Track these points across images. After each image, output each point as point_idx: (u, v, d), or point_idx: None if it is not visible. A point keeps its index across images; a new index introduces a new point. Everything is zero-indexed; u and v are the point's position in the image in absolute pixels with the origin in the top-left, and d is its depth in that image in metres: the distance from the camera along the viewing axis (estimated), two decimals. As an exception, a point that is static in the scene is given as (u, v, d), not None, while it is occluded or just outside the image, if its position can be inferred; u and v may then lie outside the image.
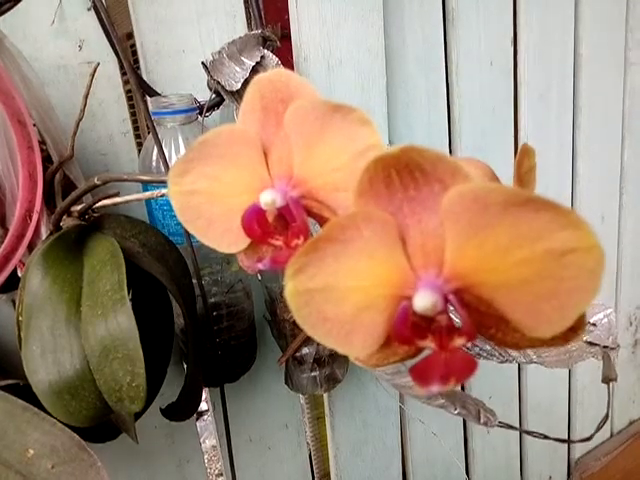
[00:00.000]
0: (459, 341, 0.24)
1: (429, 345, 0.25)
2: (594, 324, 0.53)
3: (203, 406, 1.12)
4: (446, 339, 0.25)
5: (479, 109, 0.85)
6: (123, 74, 0.60)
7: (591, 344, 0.52)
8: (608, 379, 0.49)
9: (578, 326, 0.25)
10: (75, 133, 0.50)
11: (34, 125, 0.49)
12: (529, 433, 0.52)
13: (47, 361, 0.43)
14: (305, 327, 0.26)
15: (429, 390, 0.23)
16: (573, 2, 0.92)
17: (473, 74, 0.83)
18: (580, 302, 0.22)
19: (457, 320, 0.25)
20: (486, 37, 0.83)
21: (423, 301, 0.23)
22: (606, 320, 0.51)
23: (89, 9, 0.57)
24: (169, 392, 0.57)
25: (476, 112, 0.85)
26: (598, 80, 0.98)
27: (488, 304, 0.24)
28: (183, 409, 0.60)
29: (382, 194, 0.25)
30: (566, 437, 1.14)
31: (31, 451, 0.43)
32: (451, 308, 0.24)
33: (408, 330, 0.24)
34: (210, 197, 0.30)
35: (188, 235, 0.55)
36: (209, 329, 0.62)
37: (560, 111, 0.95)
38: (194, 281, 0.58)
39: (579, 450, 1.18)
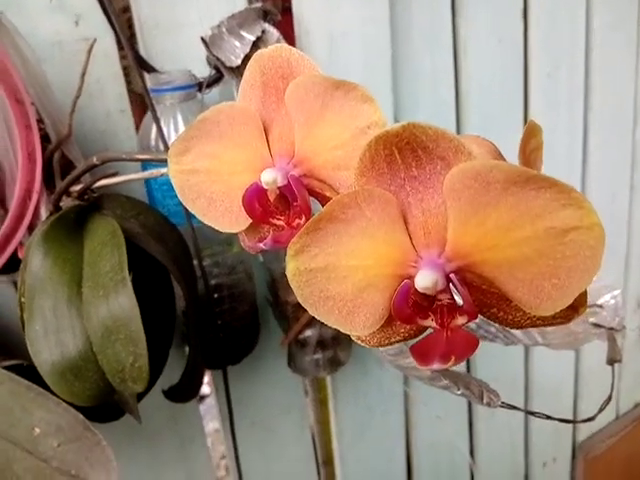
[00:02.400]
0: (460, 320, 0.24)
1: (430, 324, 0.25)
2: (600, 306, 0.53)
3: (205, 390, 1.12)
4: (447, 318, 0.25)
5: (487, 85, 0.83)
6: (120, 49, 0.60)
7: (597, 326, 0.52)
8: (613, 361, 0.49)
9: (579, 305, 0.25)
10: (73, 111, 0.50)
11: (32, 104, 0.48)
12: (532, 413, 0.52)
13: (50, 342, 0.43)
14: (307, 306, 0.26)
15: (429, 368, 0.23)
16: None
17: (481, 48, 0.81)
18: (581, 280, 0.22)
19: (458, 299, 0.25)
20: (495, 11, 0.81)
21: (424, 280, 0.23)
22: (613, 302, 0.50)
23: (86, -17, 0.56)
24: (171, 374, 0.57)
25: (484, 88, 0.83)
26: (610, 57, 0.95)
27: (490, 282, 0.24)
28: (185, 391, 0.60)
29: (384, 172, 0.24)
30: (571, 419, 1.14)
31: (37, 430, 0.43)
32: (453, 287, 0.24)
33: (409, 309, 0.24)
34: (210, 176, 0.30)
35: (188, 216, 0.55)
36: (210, 311, 0.62)
37: (570, 88, 0.92)
38: (195, 262, 0.58)
39: (583, 432, 1.17)
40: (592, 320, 0.53)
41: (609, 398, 0.54)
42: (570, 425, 1.15)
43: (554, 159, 0.94)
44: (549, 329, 0.54)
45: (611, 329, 0.51)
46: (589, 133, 0.97)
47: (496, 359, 0.99)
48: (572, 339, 0.54)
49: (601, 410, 0.55)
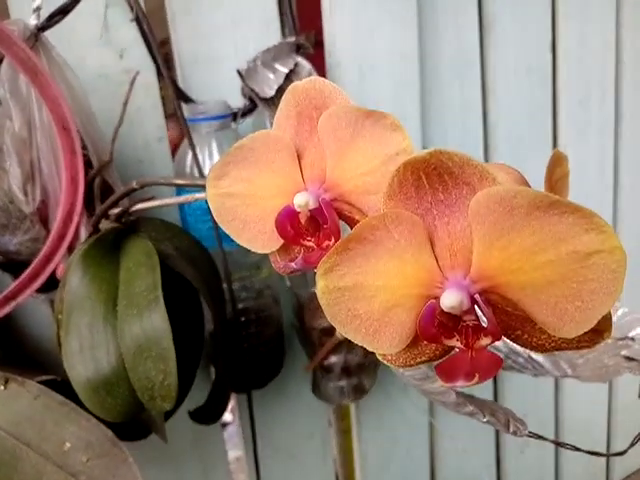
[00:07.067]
0: (485, 341, 0.25)
1: (455, 344, 0.26)
2: (632, 339, 0.52)
3: (227, 418, 1.13)
4: (472, 338, 0.25)
5: (516, 115, 0.84)
6: (160, 80, 0.63)
7: (629, 359, 0.52)
8: (644, 395, 0.49)
9: (604, 329, 0.25)
10: (114, 139, 0.53)
11: (77, 131, 0.51)
12: (559, 444, 0.51)
13: (85, 357, 0.44)
14: (335, 324, 0.27)
15: (453, 386, 0.24)
16: (614, 7, 0.89)
17: (509, 80, 0.82)
18: (603, 303, 0.22)
19: (483, 320, 0.25)
20: (523, 42, 0.82)
21: (450, 300, 0.24)
22: (646, 334, 0.50)
23: (132, 20, 0.59)
24: (197, 397, 0.58)
25: (512, 119, 0.84)
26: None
27: (514, 305, 0.25)
28: (210, 412, 0.61)
29: (411, 197, 0.26)
30: (604, 459, 1.09)
31: (68, 444, 0.44)
32: (478, 308, 0.25)
33: (434, 329, 0.25)
34: (245, 199, 0.31)
35: (220, 240, 0.57)
36: (237, 334, 0.64)
37: (600, 118, 0.92)
38: (224, 285, 0.59)
39: (618, 473, 1.12)
40: (624, 353, 0.52)
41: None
42: (603, 465, 1.11)
43: (585, 189, 0.93)
44: (579, 361, 0.54)
45: (644, 363, 0.50)
46: (620, 163, 0.96)
47: (525, 395, 0.96)
48: (603, 372, 0.53)
49: (632, 445, 0.54)
